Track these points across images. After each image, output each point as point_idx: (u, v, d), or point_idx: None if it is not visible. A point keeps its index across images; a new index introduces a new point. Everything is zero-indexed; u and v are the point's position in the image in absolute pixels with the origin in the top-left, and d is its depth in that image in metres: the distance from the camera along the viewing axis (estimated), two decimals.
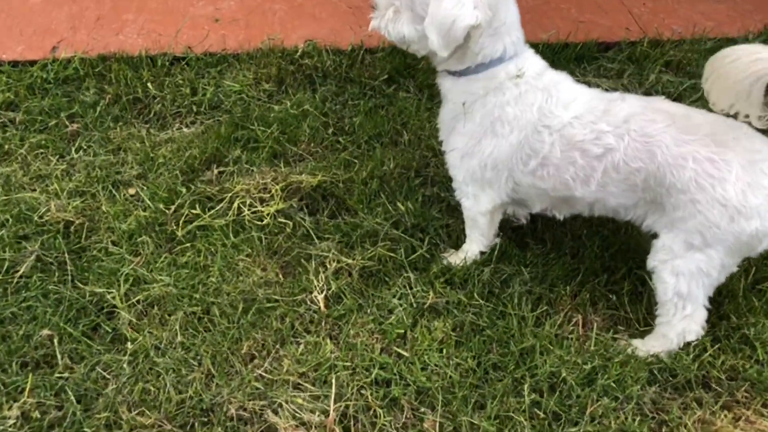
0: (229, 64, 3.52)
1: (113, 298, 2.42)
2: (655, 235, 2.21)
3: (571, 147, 2.17)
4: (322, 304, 2.38)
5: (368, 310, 2.39)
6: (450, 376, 2.18)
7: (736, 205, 1.98)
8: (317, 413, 2.04)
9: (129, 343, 2.29)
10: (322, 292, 2.42)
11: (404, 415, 2.09)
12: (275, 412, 2.05)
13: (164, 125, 3.24)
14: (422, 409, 2.10)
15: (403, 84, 3.42)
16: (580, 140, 2.16)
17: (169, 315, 2.39)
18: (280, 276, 2.52)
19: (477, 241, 2.52)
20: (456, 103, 2.31)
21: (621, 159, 2.11)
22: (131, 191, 2.90)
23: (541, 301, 2.43)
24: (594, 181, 2.18)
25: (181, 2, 3.89)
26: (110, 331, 2.33)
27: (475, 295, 2.42)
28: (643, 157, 2.08)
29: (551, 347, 2.26)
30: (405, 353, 2.25)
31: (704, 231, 2.04)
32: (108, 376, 2.21)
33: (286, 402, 2.07)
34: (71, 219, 2.69)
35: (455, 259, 2.54)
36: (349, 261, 2.52)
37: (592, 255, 2.57)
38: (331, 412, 2.03)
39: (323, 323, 2.36)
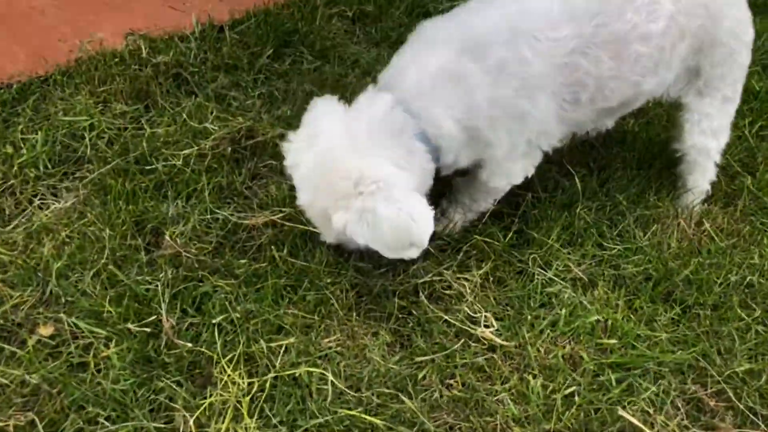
0: (41, 93, 2.26)
1: None
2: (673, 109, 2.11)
3: (624, 45, 1.76)
4: (494, 338, 1.71)
5: (529, 316, 1.80)
6: (669, 339, 1.79)
7: (751, 41, 1.99)
8: None
9: None
10: (480, 326, 1.74)
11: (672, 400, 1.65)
12: None
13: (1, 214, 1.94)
14: (689, 387, 1.69)
15: (298, 54, 2.65)
16: (630, 29, 1.74)
17: None
18: (394, 336, 1.73)
19: (482, 211, 2.01)
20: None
21: (684, 22, 1.80)
22: (45, 331, 1.67)
23: (649, 220, 2.15)
24: (664, 62, 1.83)
25: None
26: None
27: (605, 243, 2.03)
28: (700, 12, 1.82)
29: (704, 258, 2.02)
30: (613, 340, 1.77)
31: (739, 78, 2.02)
32: None
33: None
34: None
35: (440, 226, 2.00)
36: (468, 276, 1.86)
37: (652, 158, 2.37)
38: None
39: (499, 361, 1.70)
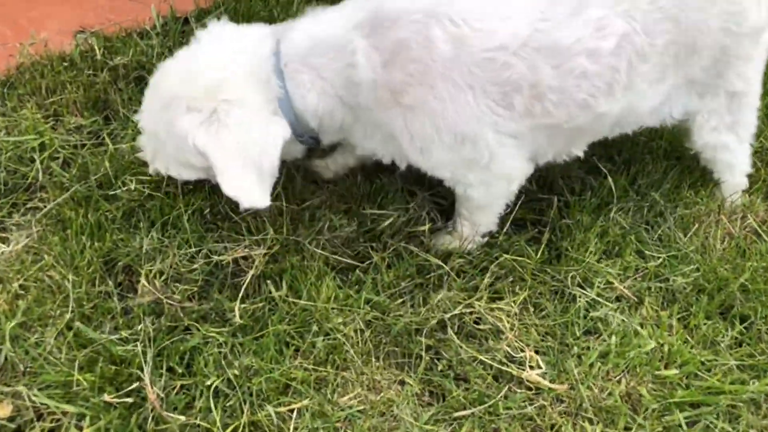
0: None
1: None
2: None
3: (567, 56, 1.52)
4: (542, 380, 1.46)
5: (575, 347, 1.56)
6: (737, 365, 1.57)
7: (758, 25, 1.72)
8: None
9: None
10: (524, 367, 1.49)
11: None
12: None
13: None
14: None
15: None
16: (574, 41, 1.51)
17: None
18: (422, 384, 1.47)
19: (491, 223, 1.78)
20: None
21: (643, 42, 1.57)
22: (1, 411, 1.37)
23: (689, 220, 1.92)
24: (620, 84, 1.59)
25: None
26: None
27: (646, 250, 1.79)
28: (667, 28, 1.59)
29: (758, 262, 1.80)
30: (674, 371, 1.53)
31: (745, 70, 1.76)
32: None
33: None
34: None
35: (454, 242, 1.78)
36: (501, 306, 1.60)
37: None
38: None
39: (549, 407, 1.46)
